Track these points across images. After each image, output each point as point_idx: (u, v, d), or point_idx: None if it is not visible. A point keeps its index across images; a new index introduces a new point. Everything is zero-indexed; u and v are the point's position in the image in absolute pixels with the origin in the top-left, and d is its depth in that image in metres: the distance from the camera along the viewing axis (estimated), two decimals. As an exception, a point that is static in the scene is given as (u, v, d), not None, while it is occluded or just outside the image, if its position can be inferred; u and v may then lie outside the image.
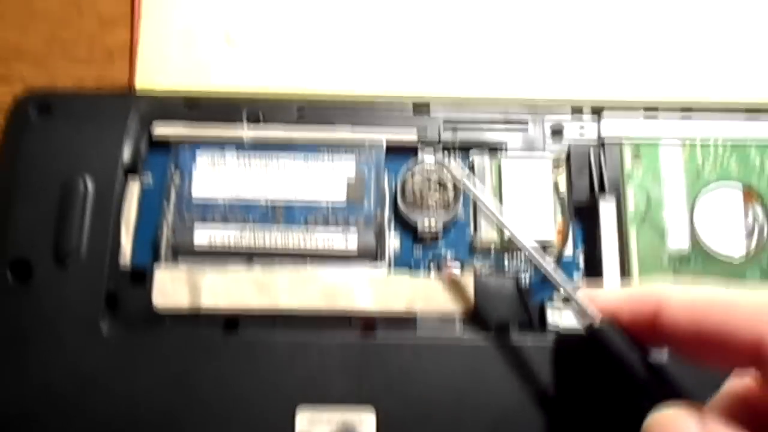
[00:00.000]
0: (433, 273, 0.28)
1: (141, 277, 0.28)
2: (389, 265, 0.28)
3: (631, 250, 0.28)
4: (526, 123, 0.30)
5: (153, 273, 0.28)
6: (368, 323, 0.27)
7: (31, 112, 0.29)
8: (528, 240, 0.25)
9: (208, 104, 0.30)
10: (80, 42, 0.34)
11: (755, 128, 0.29)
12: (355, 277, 0.28)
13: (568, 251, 0.29)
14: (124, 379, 0.26)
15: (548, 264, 0.25)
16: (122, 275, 0.28)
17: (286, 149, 0.29)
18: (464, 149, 0.30)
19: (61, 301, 0.27)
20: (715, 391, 0.21)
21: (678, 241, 0.28)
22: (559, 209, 0.29)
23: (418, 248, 0.29)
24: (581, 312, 0.23)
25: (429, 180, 0.29)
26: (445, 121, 0.30)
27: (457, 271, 0.28)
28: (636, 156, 0.29)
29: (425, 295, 0.27)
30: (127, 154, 0.29)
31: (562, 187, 0.29)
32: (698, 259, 0.28)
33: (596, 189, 0.29)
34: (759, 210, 0.29)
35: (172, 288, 0.27)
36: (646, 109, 0.30)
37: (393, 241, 0.29)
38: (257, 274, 0.28)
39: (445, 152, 0.30)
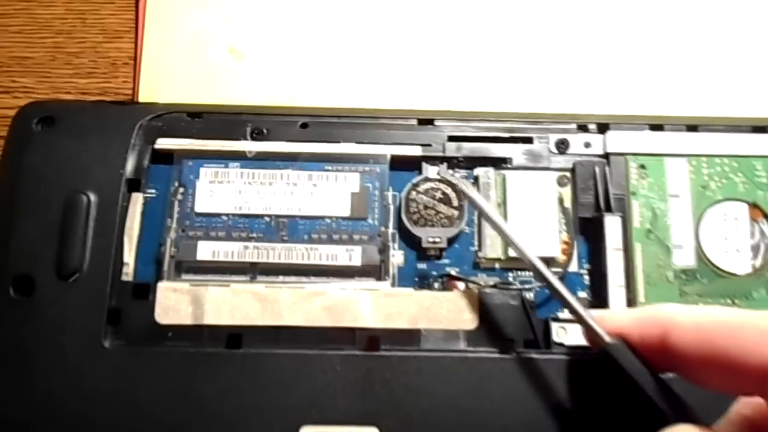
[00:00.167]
0: (437, 288, 0.28)
1: (144, 292, 0.27)
2: (393, 280, 0.28)
3: (637, 266, 0.28)
4: (531, 137, 0.30)
5: (156, 288, 0.27)
6: (372, 340, 0.27)
7: (34, 124, 0.29)
8: (537, 257, 0.25)
9: (212, 117, 0.30)
10: (84, 54, 0.34)
11: (761, 144, 0.29)
12: (359, 292, 0.27)
13: (573, 267, 0.29)
14: (126, 395, 0.26)
15: (558, 283, 0.25)
16: (125, 290, 0.28)
17: (290, 163, 0.29)
18: (469, 164, 0.30)
19: (64, 316, 0.27)
20: (720, 412, 0.21)
21: (683, 258, 0.28)
22: (563, 224, 0.29)
23: (422, 264, 0.29)
24: (591, 331, 0.23)
25: (434, 195, 0.29)
26: (450, 136, 0.30)
27: (461, 286, 0.28)
28: (641, 171, 0.29)
29: (429, 311, 0.27)
30: (130, 167, 0.29)
31: (567, 202, 0.29)
32: (704, 276, 0.28)
33: (601, 204, 0.29)
34: (765, 226, 0.29)
35: (174, 303, 0.27)
36: (652, 124, 0.30)
37: (397, 257, 0.29)
38: (260, 289, 0.27)
39: (445, 164, 0.29)
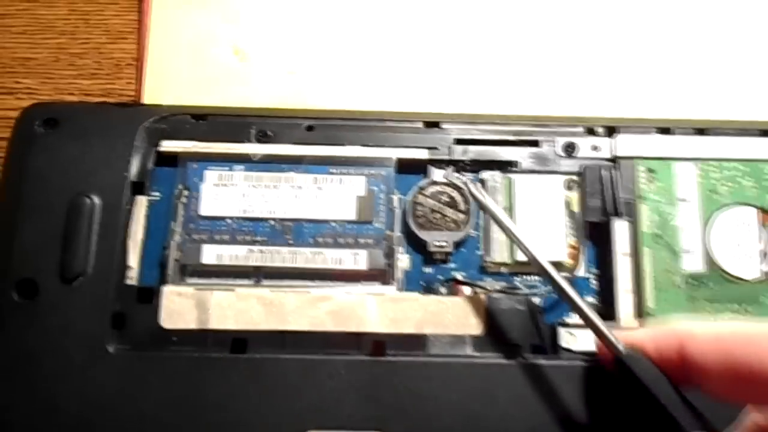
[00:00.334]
0: (443, 293, 0.28)
1: (148, 296, 0.27)
2: (399, 284, 0.28)
3: (645, 271, 0.28)
4: (539, 141, 0.29)
5: (160, 292, 0.27)
6: (378, 345, 0.27)
7: (37, 125, 0.29)
8: (549, 263, 0.25)
9: (216, 120, 0.30)
10: (88, 55, 0.34)
11: (771, 148, 0.29)
12: (365, 297, 0.27)
13: (581, 271, 0.28)
14: (130, 399, 0.26)
15: (571, 291, 0.24)
16: (129, 294, 0.27)
17: (295, 166, 0.29)
18: (475, 167, 0.29)
19: (68, 320, 0.27)
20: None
21: (692, 263, 0.28)
22: (571, 228, 0.29)
23: (429, 268, 0.29)
24: (605, 340, 0.23)
25: (440, 199, 0.29)
26: (457, 139, 0.29)
27: (468, 291, 0.28)
28: (650, 175, 0.29)
29: (436, 315, 0.27)
30: (134, 170, 0.29)
31: (575, 206, 0.29)
32: (713, 281, 0.28)
33: (609, 208, 0.28)
34: (775, 231, 0.29)
35: (179, 307, 0.27)
36: (661, 127, 0.29)
37: (403, 261, 0.28)
38: (265, 293, 0.27)
39: (452, 167, 0.29)
